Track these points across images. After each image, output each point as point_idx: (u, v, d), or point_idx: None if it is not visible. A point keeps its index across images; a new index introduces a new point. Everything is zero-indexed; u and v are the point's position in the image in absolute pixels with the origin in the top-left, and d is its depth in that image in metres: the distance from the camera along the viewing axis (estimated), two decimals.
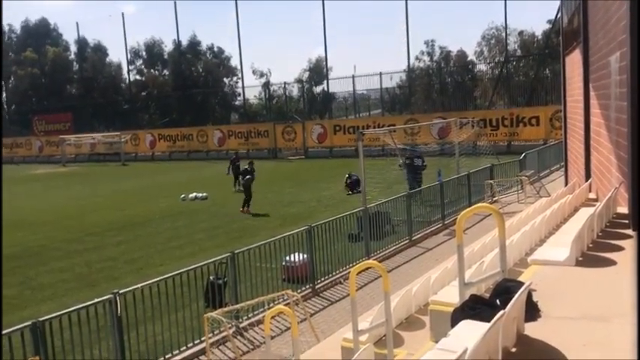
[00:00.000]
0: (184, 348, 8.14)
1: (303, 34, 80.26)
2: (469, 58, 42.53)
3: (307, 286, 10.51)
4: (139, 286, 7.81)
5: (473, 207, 5.29)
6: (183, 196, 22.47)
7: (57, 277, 12.50)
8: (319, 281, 10.83)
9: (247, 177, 19.67)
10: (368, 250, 12.17)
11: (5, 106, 60.58)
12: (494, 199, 17.41)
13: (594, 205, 6.98)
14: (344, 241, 11.91)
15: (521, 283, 4.12)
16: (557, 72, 25.82)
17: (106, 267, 13.06)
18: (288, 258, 10.52)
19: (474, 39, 50.46)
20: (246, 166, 20.40)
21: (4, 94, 58.32)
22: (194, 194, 22.47)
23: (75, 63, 57.48)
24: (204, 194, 22.50)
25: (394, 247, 13.08)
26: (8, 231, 17.98)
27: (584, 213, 6.79)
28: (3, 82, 56.84)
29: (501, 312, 3.40)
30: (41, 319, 6.59)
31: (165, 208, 20.73)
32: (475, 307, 3.99)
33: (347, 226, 12.17)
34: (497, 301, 3.99)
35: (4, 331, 6.33)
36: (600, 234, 6.29)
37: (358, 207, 13.17)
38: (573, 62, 12.85)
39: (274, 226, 15.54)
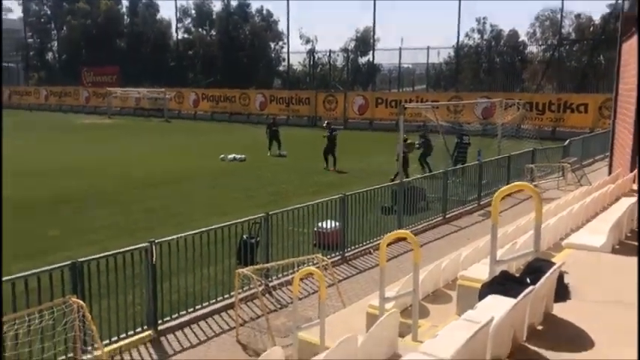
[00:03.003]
0: (214, 301, 8.36)
1: (352, 2, 79.13)
2: (520, 39, 41.45)
3: (337, 253, 10.62)
4: (175, 237, 8.02)
5: (511, 185, 5.25)
6: (222, 156, 22.79)
7: (99, 223, 12.91)
8: (349, 249, 10.92)
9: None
10: (400, 223, 12.17)
11: (56, 55, 61.88)
12: (534, 183, 17.10)
13: (637, 196, 6.84)
14: (377, 213, 11.93)
15: (553, 264, 4.11)
16: (611, 59, 24.91)
17: (146, 218, 13.41)
18: (320, 224, 10.63)
19: (528, 19, 48.95)
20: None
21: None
22: (233, 155, 22.76)
23: (126, 17, 58.15)
24: (243, 156, 22.77)
25: (427, 223, 13.05)
26: (56, 175, 18.66)
27: (626, 202, 6.66)
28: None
29: (530, 288, 3.41)
30: (80, 259, 6.86)
31: (205, 167, 21.07)
32: (504, 283, 4.01)
33: (381, 198, 12.18)
34: (528, 279, 3.99)
35: (45, 268, 6.62)
36: None
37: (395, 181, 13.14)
38: (631, 49, 12.41)
39: (307, 193, 15.64)
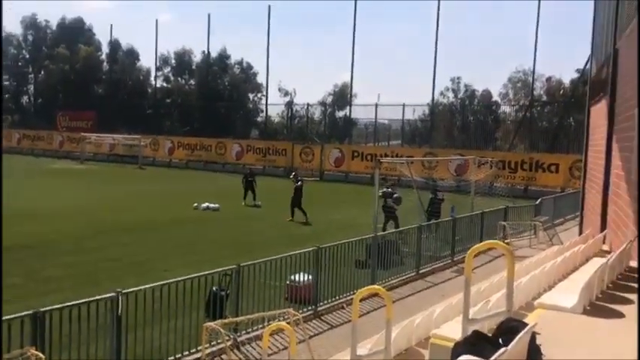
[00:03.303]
0: (180, 355, 8.09)
1: (331, 58, 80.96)
2: (494, 99, 42.73)
3: (309, 308, 10.44)
4: (142, 288, 7.80)
5: (484, 243, 5.25)
6: (195, 204, 22.57)
7: (63, 271, 12.55)
8: (322, 304, 10.75)
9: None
10: (374, 277, 12.08)
11: (32, 99, 61.64)
12: (507, 241, 17.23)
13: (607, 257, 6.90)
14: (351, 267, 11.83)
15: (525, 324, 4.07)
16: (580, 121, 25.74)
17: (112, 267, 13.09)
18: (293, 277, 10.48)
19: (501, 80, 50.56)
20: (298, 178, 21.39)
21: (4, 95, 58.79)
22: (206, 204, 22.57)
23: (105, 64, 58.54)
24: (217, 205, 22.60)
25: (400, 278, 12.98)
26: (21, 221, 18.19)
27: (596, 263, 6.71)
28: (3, 82, 57.23)
29: (503, 349, 3.36)
30: (42, 309, 6.60)
31: (177, 215, 20.82)
32: (477, 344, 3.94)
33: (355, 251, 12.11)
34: (500, 340, 3.93)
35: (4, 318, 6.35)
36: (610, 285, 6.21)
37: (368, 234, 13.12)
38: (599, 112, 12.82)
39: (281, 244, 15.49)
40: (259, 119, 50.96)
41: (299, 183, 21.03)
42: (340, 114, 46.77)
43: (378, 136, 43.69)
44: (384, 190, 17.61)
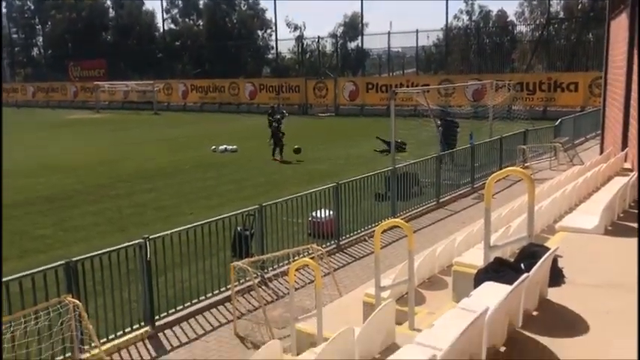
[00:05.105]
0: (210, 295, 8.35)
1: None
2: (509, 19, 41.39)
3: (332, 242, 10.62)
4: (169, 232, 7.98)
5: (503, 170, 5.24)
6: (213, 147, 22.69)
7: (89, 220, 12.85)
8: (344, 238, 10.92)
9: (275, 123, 20.36)
10: (394, 209, 12.18)
11: (42, 51, 61.28)
12: (526, 164, 17.14)
13: (629, 175, 6.85)
14: (371, 200, 11.93)
15: (547, 249, 4.11)
16: (600, 37, 24.87)
17: (136, 213, 13.36)
18: (314, 213, 10.61)
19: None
20: (277, 114, 20.96)
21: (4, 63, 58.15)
22: (224, 146, 22.67)
23: (111, 9, 57.63)
24: (234, 147, 22.69)
25: (421, 209, 13.07)
26: (44, 174, 18.53)
27: (618, 182, 6.67)
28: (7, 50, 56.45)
29: (525, 275, 3.41)
30: (74, 259, 6.82)
31: (196, 159, 21.00)
32: (499, 270, 4.01)
33: (375, 185, 12.16)
34: (522, 265, 3.99)
35: (39, 269, 6.58)
36: (632, 204, 6.19)
37: (387, 167, 13.13)
38: (619, 26, 12.38)
39: (301, 182, 15.62)
40: (270, 56, 50.18)
41: (277, 116, 20.61)
42: (352, 45, 45.80)
43: (392, 65, 42.87)
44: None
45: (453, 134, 17.84)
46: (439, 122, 18.29)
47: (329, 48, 46.52)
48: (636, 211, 5.90)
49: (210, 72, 47.44)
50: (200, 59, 50.86)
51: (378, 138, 19.87)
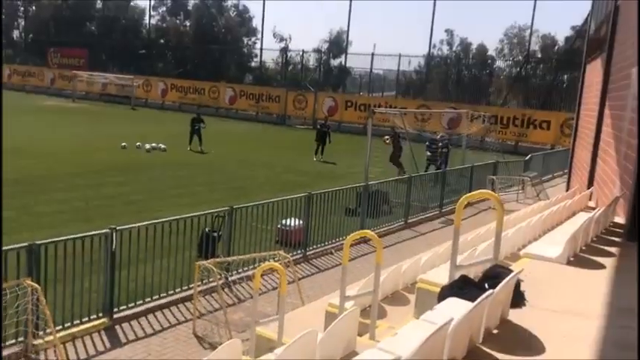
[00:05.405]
0: (172, 292, 8.29)
1: (328, 4, 79.31)
2: (488, 53, 42.30)
3: (299, 251, 10.65)
4: (136, 225, 7.91)
5: (477, 192, 5.37)
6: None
7: (55, 207, 12.64)
8: (311, 248, 10.97)
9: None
10: (363, 225, 12.27)
11: (23, 34, 60.21)
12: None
13: (593, 212, 7.07)
14: (340, 214, 12.01)
15: (510, 271, 4.22)
16: (574, 80, 25.67)
17: (104, 205, 13.19)
18: (284, 221, 10.64)
19: (496, 35, 50.01)
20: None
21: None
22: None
23: (99, 1, 57.05)
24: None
25: (389, 227, 13.21)
26: (13, 157, 18.13)
27: (582, 217, 6.88)
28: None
29: (489, 292, 3.50)
30: (38, 242, 6.71)
31: (172, 157, 20.84)
32: (463, 287, 4.10)
33: (346, 199, 12.26)
34: (486, 285, 4.09)
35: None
36: (595, 239, 6.38)
37: (359, 182, 13.25)
38: (594, 70, 12.82)
39: (274, 190, 15.62)
40: (253, 64, 50.25)
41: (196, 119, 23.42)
42: (335, 62, 46.23)
43: (372, 86, 43.33)
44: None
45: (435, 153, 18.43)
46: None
47: (312, 62, 46.87)
48: (598, 245, 6.09)
49: (192, 73, 47.20)
50: (183, 59, 50.58)
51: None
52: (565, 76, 36.76)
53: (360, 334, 5.08)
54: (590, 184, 11.02)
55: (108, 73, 48.45)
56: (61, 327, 6.81)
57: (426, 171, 17.67)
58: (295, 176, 18.87)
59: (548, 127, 32.03)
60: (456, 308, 3.61)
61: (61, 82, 51.49)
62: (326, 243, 11.34)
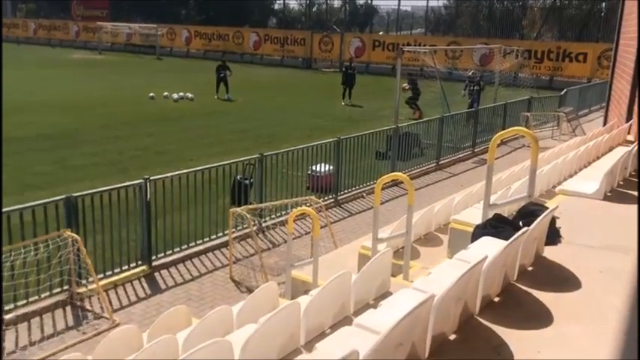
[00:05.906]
0: (207, 239, 8.45)
1: None
2: None
3: (330, 196, 10.68)
4: (169, 175, 8.01)
5: (510, 129, 5.24)
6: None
7: (89, 160, 12.86)
8: (342, 193, 10.98)
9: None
10: (394, 168, 12.20)
11: None
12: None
13: (631, 146, 6.86)
14: (371, 158, 11.94)
15: (546, 208, 4.15)
16: (612, 8, 24.54)
17: (138, 156, 13.37)
18: (314, 167, 10.64)
19: None
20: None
21: None
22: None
23: None
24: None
25: (420, 169, 13.11)
26: (44, 112, 18.44)
27: (620, 151, 6.69)
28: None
29: (523, 229, 3.46)
30: (75, 194, 6.86)
31: (200, 107, 20.89)
32: (497, 226, 4.06)
33: (376, 143, 12.15)
34: (521, 223, 4.04)
35: (40, 202, 6.62)
36: (633, 173, 6.22)
37: (389, 125, 13.09)
38: None
39: (303, 136, 15.58)
40: (277, 7, 49.37)
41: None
42: (361, 1, 45.03)
43: (400, 24, 42.22)
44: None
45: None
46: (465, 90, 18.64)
47: (337, 2, 45.78)
48: (636, 179, 5.93)
49: (215, 19, 46.64)
50: (205, 6, 49.92)
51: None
52: (603, 4, 35.12)
53: (393, 275, 5.12)
54: (630, 117, 10.65)
55: (131, 22, 48.21)
56: (102, 275, 7.03)
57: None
58: (324, 121, 18.75)
59: (585, 60, 30.91)
60: (490, 247, 3.58)
61: (86, 34, 51.57)
62: (357, 187, 11.33)
